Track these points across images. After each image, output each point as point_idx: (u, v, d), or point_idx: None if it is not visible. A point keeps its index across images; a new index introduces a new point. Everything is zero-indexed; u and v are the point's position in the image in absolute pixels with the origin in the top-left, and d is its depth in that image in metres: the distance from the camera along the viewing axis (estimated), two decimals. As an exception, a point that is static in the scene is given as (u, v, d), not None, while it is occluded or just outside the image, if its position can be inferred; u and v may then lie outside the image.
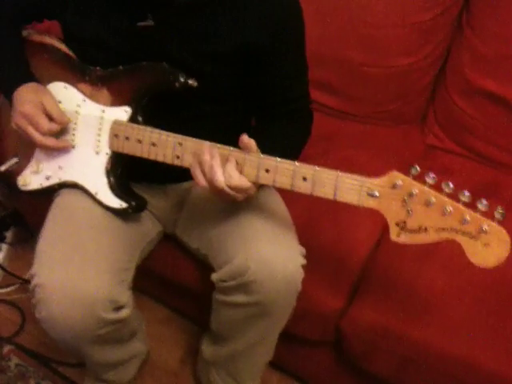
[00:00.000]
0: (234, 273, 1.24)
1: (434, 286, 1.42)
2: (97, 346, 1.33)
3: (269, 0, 1.22)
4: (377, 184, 1.03)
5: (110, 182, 1.29)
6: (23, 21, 1.42)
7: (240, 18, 1.21)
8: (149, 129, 1.21)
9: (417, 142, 1.94)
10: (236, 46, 1.22)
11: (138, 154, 1.23)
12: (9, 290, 2.01)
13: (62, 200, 1.36)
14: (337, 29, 1.81)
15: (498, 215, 0.96)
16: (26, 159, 1.40)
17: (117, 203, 1.30)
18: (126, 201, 1.30)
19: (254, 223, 1.28)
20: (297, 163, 1.09)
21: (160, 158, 1.21)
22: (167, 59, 1.21)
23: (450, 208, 0.98)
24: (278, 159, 1.10)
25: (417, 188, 0.99)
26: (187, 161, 1.18)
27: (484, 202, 0.97)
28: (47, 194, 1.40)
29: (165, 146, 1.19)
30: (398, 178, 1.01)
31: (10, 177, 1.42)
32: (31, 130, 1.26)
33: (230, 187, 1.12)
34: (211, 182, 1.12)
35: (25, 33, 1.41)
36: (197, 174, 1.15)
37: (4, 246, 2.14)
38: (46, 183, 1.37)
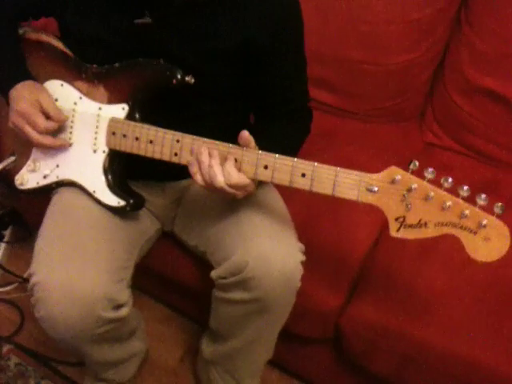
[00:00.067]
0: (233, 269, 1.23)
1: (434, 284, 1.42)
2: (96, 344, 1.33)
3: (269, 0, 1.22)
4: (376, 179, 1.03)
5: (107, 180, 1.29)
6: (21, 18, 1.42)
7: (240, 18, 1.21)
8: (146, 126, 1.21)
9: (416, 139, 1.94)
10: (236, 44, 1.22)
11: (136, 151, 1.23)
12: (8, 288, 2.01)
13: (60, 198, 1.36)
14: (336, 26, 1.81)
15: (497, 209, 0.96)
16: (23, 158, 1.40)
17: (115, 201, 1.29)
18: (123, 199, 1.29)
19: (252, 220, 1.28)
20: (295, 159, 1.08)
21: (158, 156, 1.21)
22: (167, 58, 1.21)
23: (449, 203, 0.97)
24: (277, 155, 1.10)
25: (416, 183, 0.99)
26: (185, 158, 1.17)
27: (483, 196, 0.97)
28: (45, 193, 1.39)
29: (162, 143, 1.19)
30: (397, 173, 1.01)
31: (8, 175, 1.42)
32: (28, 129, 1.26)
33: (229, 185, 1.11)
34: (211, 182, 1.12)
35: (21, 30, 1.40)
36: (195, 171, 1.14)
37: (2, 245, 2.14)
38: (44, 182, 1.37)
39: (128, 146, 1.24)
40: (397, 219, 1.02)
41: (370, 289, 1.45)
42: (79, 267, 1.21)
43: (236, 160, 1.12)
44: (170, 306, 1.95)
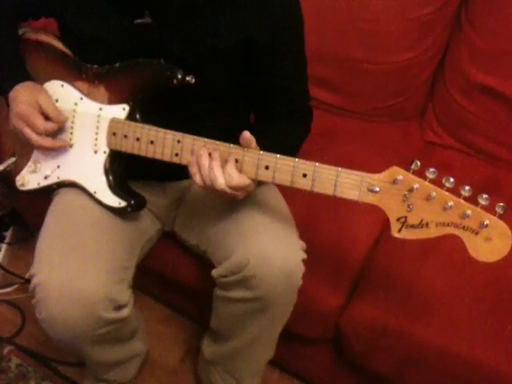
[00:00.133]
0: (234, 268, 1.23)
1: (434, 284, 1.42)
2: (97, 345, 1.33)
3: (268, 0, 1.22)
4: (377, 179, 1.02)
5: (108, 181, 1.29)
6: (21, 18, 1.41)
7: (240, 18, 1.21)
8: (147, 126, 1.21)
9: (416, 138, 1.94)
10: (236, 43, 1.22)
11: (137, 152, 1.23)
12: (9, 290, 2.01)
13: (61, 199, 1.36)
14: (336, 25, 1.81)
15: (499, 209, 0.96)
16: (23, 159, 1.39)
17: (116, 202, 1.29)
18: (124, 199, 1.29)
19: (253, 218, 1.28)
20: (296, 160, 1.08)
21: (158, 156, 1.20)
22: (167, 57, 1.21)
23: (450, 203, 0.97)
24: (278, 156, 1.09)
25: (417, 183, 0.99)
26: (186, 158, 1.17)
27: (485, 196, 0.97)
28: (46, 194, 1.39)
29: (163, 143, 1.19)
30: (399, 173, 1.00)
31: (9, 176, 1.42)
32: (27, 131, 1.26)
33: (230, 187, 1.11)
34: (211, 184, 1.12)
35: (21, 31, 1.40)
36: (194, 172, 1.14)
37: (3, 246, 2.14)
38: (44, 183, 1.37)
39: (129, 147, 1.24)
40: (398, 219, 1.02)
41: (370, 288, 1.45)
42: (80, 268, 1.20)
43: (237, 161, 1.12)
44: (170, 306, 1.95)
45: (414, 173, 1.00)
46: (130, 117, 1.25)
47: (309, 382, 1.75)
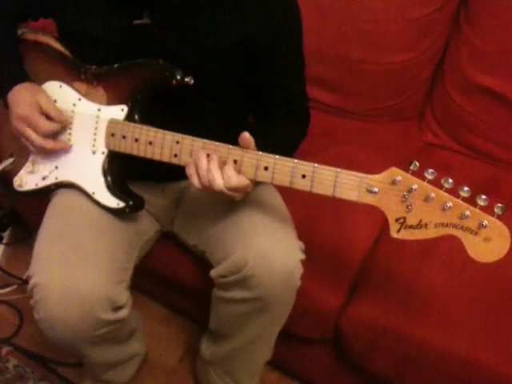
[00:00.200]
0: (233, 268, 1.23)
1: (434, 284, 1.42)
2: (95, 346, 1.33)
3: (268, 0, 1.22)
4: (376, 180, 1.02)
5: (106, 182, 1.28)
6: (21, 19, 1.41)
7: (240, 17, 1.21)
8: (145, 127, 1.21)
9: (415, 138, 1.94)
10: (236, 43, 1.22)
11: (135, 152, 1.23)
12: (7, 290, 2.01)
13: (60, 200, 1.35)
14: (336, 25, 1.81)
15: (497, 210, 0.96)
16: (21, 159, 1.39)
17: (114, 203, 1.29)
18: (123, 200, 1.29)
19: (252, 218, 1.28)
20: (296, 160, 1.08)
21: (157, 157, 1.20)
22: (167, 57, 1.21)
23: (449, 203, 0.97)
24: (277, 157, 1.09)
25: (416, 183, 0.99)
26: (185, 159, 1.17)
27: (483, 197, 0.97)
28: (44, 194, 1.39)
29: (162, 144, 1.19)
30: (398, 174, 1.00)
31: (7, 177, 1.42)
32: (29, 132, 1.26)
33: (228, 188, 1.11)
34: (209, 185, 1.12)
35: (20, 31, 1.40)
36: (192, 173, 1.14)
37: (1, 247, 2.14)
38: (42, 183, 1.36)
39: (127, 148, 1.23)
40: (397, 220, 1.02)
41: (370, 289, 1.45)
42: (78, 269, 1.20)
43: (236, 161, 1.11)
44: (169, 306, 1.95)
45: (413, 173, 1.00)
46: (129, 117, 1.24)
47: (308, 382, 1.75)
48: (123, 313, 1.28)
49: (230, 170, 1.11)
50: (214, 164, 1.11)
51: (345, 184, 1.05)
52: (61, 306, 1.18)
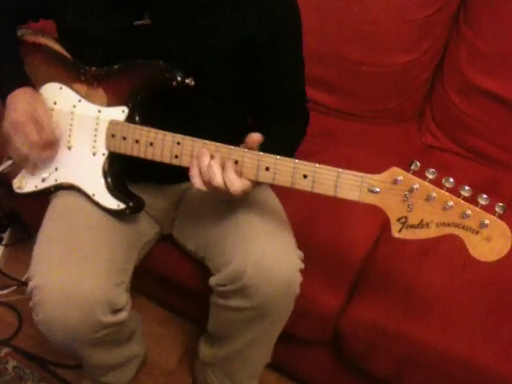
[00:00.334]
0: (232, 277, 1.23)
1: (434, 284, 1.42)
2: (95, 348, 1.32)
3: (268, 0, 1.22)
4: (377, 180, 1.03)
5: (107, 183, 1.28)
6: (21, 20, 1.41)
7: (239, 17, 1.21)
8: (146, 128, 1.20)
9: (415, 140, 1.94)
10: (235, 43, 1.22)
11: (136, 154, 1.22)
12: (6, 291, 2.00)
13: (59, 201, 1.35)
14: (336, 26, 1.81)
15: (498, 209, 0.97)
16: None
17: (114, 204, 1.29)
18: (123, 201, 1.29)
19: (251, 227, 1.28)
20: (297, 161, 1.08)
21: (158, 158, 1.20)
22: (167, 57, 1.21)
23: (450, 203, 0.98)
24: (278, 157, 1.09)
25: (417, 183, 0.99)
26: (186, 160, 1.17)
27: (484, 196, 0.97)
28: (43, 196, 1.38)
29: (163, 145, 1.18)
30: (399, 173, 1.01)
31: (6, 177, 1.41)
32: (18, 139, 1.25)
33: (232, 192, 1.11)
34: (209, 182, 1.11)
35: (19, 33, 1.39)
36: (194, 174, 1.14)
37: (1, 248, 2.13)
38: (42, 185, 1.36)
39: (128, 149, 1.23)
40: (399, 220, 1.02)
41: (369, 289, 1.45)
42: (78, 270, 1.20)
43: (237, 162, 1.11)
44: (168, 307, 1.95)
45: (414, 173, 1.00)
46: (129, 119, 1.24)
47: (308, 383, 1.74)
48: (122, 315, 1.28)
49: (231, 174, 1.10)
50: (216, 161, 1.11)
51: (346, 184, 1.05)
52: (60, 307, 1.18)
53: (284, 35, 1.25)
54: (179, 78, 1.18)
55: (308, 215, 1.53)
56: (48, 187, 1.35)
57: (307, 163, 1.07)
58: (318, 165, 1.07)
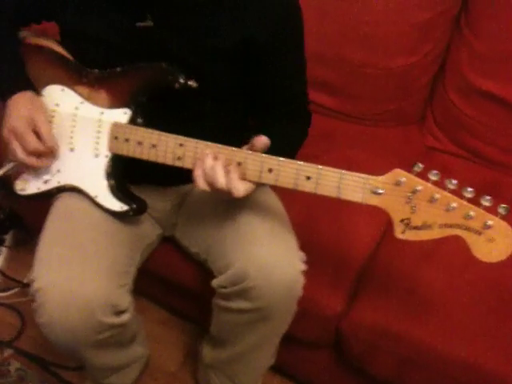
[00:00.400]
0: (234, 279, 1.23)
1: (435, 286, 1.42)
2: (97, 350, 1.33)
3: (268, 0, 1.22)
4: (380, 181, 1.03)
5: (110, 185, 1.28)
6: (22, 22, 1.41)
7: (240, 17, 1.21)
8: (149, 130, 1.20)
9: (417, 142, 1.94)
10: (236, 43, 1.22)
11: (138, 155, 1.22)
12: (8, 293, 2.01)
13: (62, 203, 1.35)
14: (337, 28, 1.81)
15: (501, 211, 0.97)
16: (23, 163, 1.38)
17: (117, 206, 1.29)
18: (126, 203, 1.29)
19: (254, 229, 1.27)
20: (300, 162, 1.08)
21: (161, 160, 1.20)
22: (168, 58, 1.21)
23: (453, 204, 0.98)
24: (281, 159, 1.09)
25: (420, 185, 0.99)
26: (188, 162, 1.17)
27: (487, 197, 0.98)
28: (46, 198, 1.38)
29: (165, 147, 1.18)
30: (402, 175, 1.01)
31: (8, 179, 1.41)
32: (15, 145, 1.25)
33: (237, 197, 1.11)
34: (212, 183, 1.11)
35: (21, 35, 1.39)
36: (198, 175, 1.13)
37: (3, 249, 2.13)
38: (44, 187, 1.36)
39: (130, 151, 1.23)
40: (402, 221, 1.02)
41: (371, 291, 1.45)
42: (81, 272, 1.20)
43: (240, 163, 1.11)
44: (170, 308, 1.95)
45: (417, 175, 1.00)
46: (132, 121, 1.24)
47: (309, 385, 1.75)
48: (125, 317, 1.28)
49: (235, 176, 1.10)
50: (219, 163, 1.10)
51: (349, 186, 1.05)
52: (63, 310, 1.17)
53: (284, 35, 1.25)
54: (182, 80, 1.18)
55: (309, 217, 1.53)
56: (50, 189, 1.35)
57: (310, 165, 1.07)
58: (320, 166, 1.07)
